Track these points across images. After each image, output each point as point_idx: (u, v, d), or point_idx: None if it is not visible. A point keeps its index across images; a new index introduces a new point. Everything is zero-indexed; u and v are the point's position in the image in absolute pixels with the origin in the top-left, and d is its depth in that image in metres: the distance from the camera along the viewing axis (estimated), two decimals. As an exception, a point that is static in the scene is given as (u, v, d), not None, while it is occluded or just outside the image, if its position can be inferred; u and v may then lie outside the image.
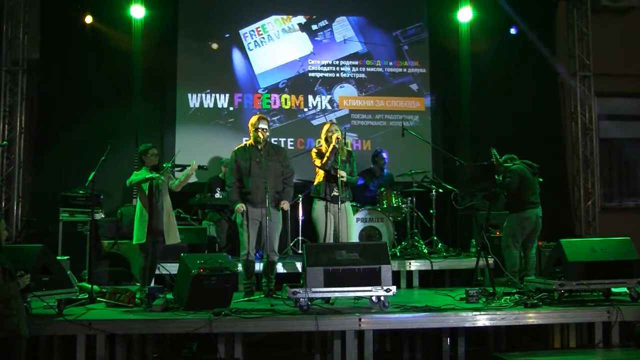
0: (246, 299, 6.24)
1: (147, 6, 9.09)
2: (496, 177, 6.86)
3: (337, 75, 9.71)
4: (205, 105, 9.48)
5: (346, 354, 5.24)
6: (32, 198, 9.12)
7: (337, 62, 9.73)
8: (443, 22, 9.72)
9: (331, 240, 6.63)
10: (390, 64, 9.81)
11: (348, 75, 9.71)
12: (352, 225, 7.11)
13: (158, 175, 6.36)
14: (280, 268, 7.05)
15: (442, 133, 9.69)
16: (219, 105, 9.49)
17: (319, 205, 6.75)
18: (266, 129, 6.53)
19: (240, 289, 6.64)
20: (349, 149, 7.02)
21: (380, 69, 9.78)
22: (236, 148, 6.64)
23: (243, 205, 6.41)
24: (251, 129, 6.54)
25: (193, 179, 6.65)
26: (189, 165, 6.53)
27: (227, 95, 9.52)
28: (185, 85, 9.48)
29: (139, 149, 6.64)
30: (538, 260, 6.98)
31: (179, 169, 6.82)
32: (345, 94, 9.69)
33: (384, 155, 8.66)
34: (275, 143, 6.97)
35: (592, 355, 5.44)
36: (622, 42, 10.06)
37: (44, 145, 9.03)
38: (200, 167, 6.67)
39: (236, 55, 9.63)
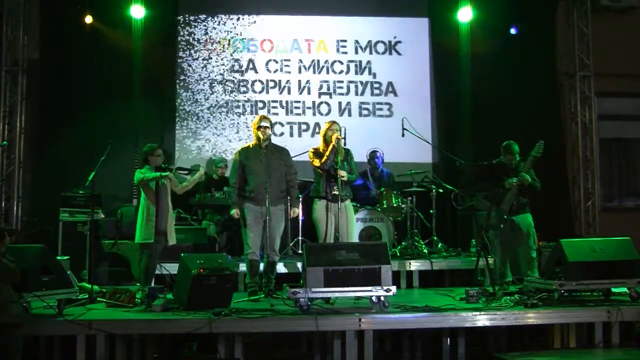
0: (251, 298, 6.24)
1: (147, 6, 9.12)
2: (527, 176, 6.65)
3: (337, 75, 9.71)
4: (205, 106, 9.49)
5: (346, 354, 5.23)
6: (32, 198, 9.12)
7: (337, 63, 9.73)
8: (443, 22, 9.73)
9: (332, 240, 6.62)
10: (390, 63, 9.81)
11: (347, 76, 9.72)
12: (353, 224, 7.07)
13: (169, 172, 6.39)
14: (280, 268, 7.05)
15: (442, 133, 9.70)
16: (219, 106, 9.51)
17: (319, 205, 6.75)
18: (268, 127, 6.58)
19: (240, 289, 6.65)
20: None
21: (380, 69, 9.78)
22: (240, 148, 6.70)
23: (238, 211, 6.47)
24: (254, 128, 6.59)
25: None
26: (196, 171, 6.59)
27: (227, 95, 9.53)
28: (185, 85, 9.49)
29: (143, 148, 6.61)
30: (538, 260, 6.97)
31: (184, 172, 6.85)
32: (345, 94, 9.69)
33: (378, 154, 8.66)
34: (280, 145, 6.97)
35: (592, 355, 5.44)
36: (622, 42, 10.05)
37: (44, 145, 9.03)
38: (205, 174, 6.72)
39: (236, 56, 9.64)
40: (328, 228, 6.68)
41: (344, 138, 6.94)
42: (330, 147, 6.62)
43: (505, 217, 6.61)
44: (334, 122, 6.84)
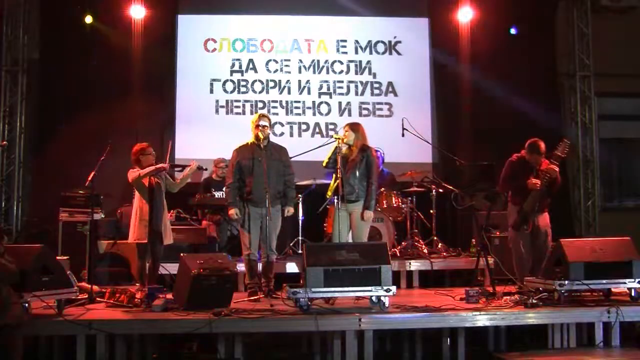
0: (251, 298, 6.23)
1: (147, 6, 9.13)
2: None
3: (337, 75, 9.72)
4: (205, 106, 9.49)
5: (346, 354, 5.23)
6: (32, 198, 9.12)
7: (337, 63, 9.73)
8: (443, 22, 9.74)
9: (341, 239, 6.54)
10: (390, 63, 9.81)
11: (347, 76, 9.72)
12: (360, 228, 6.63)
13: (164, 164, 6.38)
14: (280, 268, 7.05)
15: (442, 133, 9.70)
16: (219, 106, 9.51)
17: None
18: (267, 126, 6.53)
19: (240, 289, 6.64)
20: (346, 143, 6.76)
21: (380, 69, 9.78)
22: (237, 147, 6.62)
23: (237, 211, 6.43)
24: (252, 126, 6.54)
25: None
26: (188, 166, 6.54)
27: (227, 96, 9.54)
28: (184, 84, 9.50)
29: (134, 148, 6.60)
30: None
31: (178, 169, 6.82)
32: (345, 94, 9.69)
33: (378, 154, 8.61)
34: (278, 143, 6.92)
35: (592, 355, 5.43)
36: (622, 42, 10.05)
37: (44, 145, 9.04)
38: (199, 168, 6.68)
39: (236, 56, 9.64)
40: (335, 226, 6.60)
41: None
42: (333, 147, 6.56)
43: (527, 218, 6.44)
44: (346, 125, 6.76)
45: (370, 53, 9.81)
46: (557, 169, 6.39)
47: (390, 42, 9.85)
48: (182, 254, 5.92)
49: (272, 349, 6.05)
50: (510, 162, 6.65)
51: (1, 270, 4.58)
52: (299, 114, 9.65)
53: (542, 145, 6.46)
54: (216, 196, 8.05)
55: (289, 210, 6.59)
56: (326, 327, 5.26)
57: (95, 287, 6.12)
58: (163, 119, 9.41)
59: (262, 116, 6.60)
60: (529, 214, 6.45)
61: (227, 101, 9.55)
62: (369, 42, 9.82)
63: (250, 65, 9.66)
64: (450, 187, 8.26)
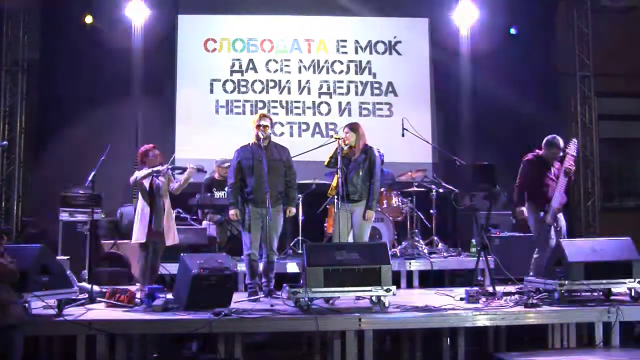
0: (251, 298, 6.23)
1: (147, 6, 9.13)
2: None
3: (337, 75, 9.72)
4: (205, 106, 9.49)
5: (346, 354, 5.23)
6: (32, 198, 9.13)
7: (337, 63, 9.73)
8: (443, 22, 9.74)
9: (343, 238, 6.53)
10: (390, 63, 9.81)
11: (347, 76, 9.72)
12: (361, 227, 6.58)
13: (160, 167, 6.38)
14: (281, 268, 7.05)
15: (442, 133, 9.70)
16: (219, 106, 9.51)
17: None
18: (268, 126, 6.51)
19: (240, 289, 6.64)
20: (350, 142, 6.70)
21: (380, 69, 9.78)
22: (239, 147, 6.63)
23: (237, 212, 6.43)
24: (253, 126, 6.53)
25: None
26: (186, 169, 6.55)
27: (227, 95, 9.54)
28: (184, 84, 9.50)
29: (139, 150, 6.62)
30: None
31: (178, 171, 6.83)
32: (345, 94, 9.69)
33: (376, 154, 8.61)
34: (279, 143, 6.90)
35: (592, 355, 5.43)
36: (622, 42, 10.05)
37: (44, 145, 9.04)
38: (199, 170, 6.68)
39: (236, 56, 9.64)
40: (335, 226, 6.59)
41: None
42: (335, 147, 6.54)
43: (555, 213, 6.52)
44: (345, 126, 6.73)
45: (370, 53, 9.82)
46: (574, 167, 6.53)
47: (390, 42, 9.86)
48: (182, 254, 5.93)
49: (272, 349, 6.05)
50: (528, 162, 6.72)
51: (1, 271, 4.58)
52: (299, 114, 9.65)
53: (561, 140, 6.62)
54: (216, 196, 8.04)
55: (291, 211, 6.59)
56: (326, 327, 5.26)
57: (96, 287, 6.12)
58: (163, 119, 9.41)
59: (263, 116, 6.59)
60: (556, 210, 6.52)
61: (227, 101, 9.55)
62: (369, 42, 9.83)
63: (250, 65, 9.66)
64: (450, 187, 8.26)
